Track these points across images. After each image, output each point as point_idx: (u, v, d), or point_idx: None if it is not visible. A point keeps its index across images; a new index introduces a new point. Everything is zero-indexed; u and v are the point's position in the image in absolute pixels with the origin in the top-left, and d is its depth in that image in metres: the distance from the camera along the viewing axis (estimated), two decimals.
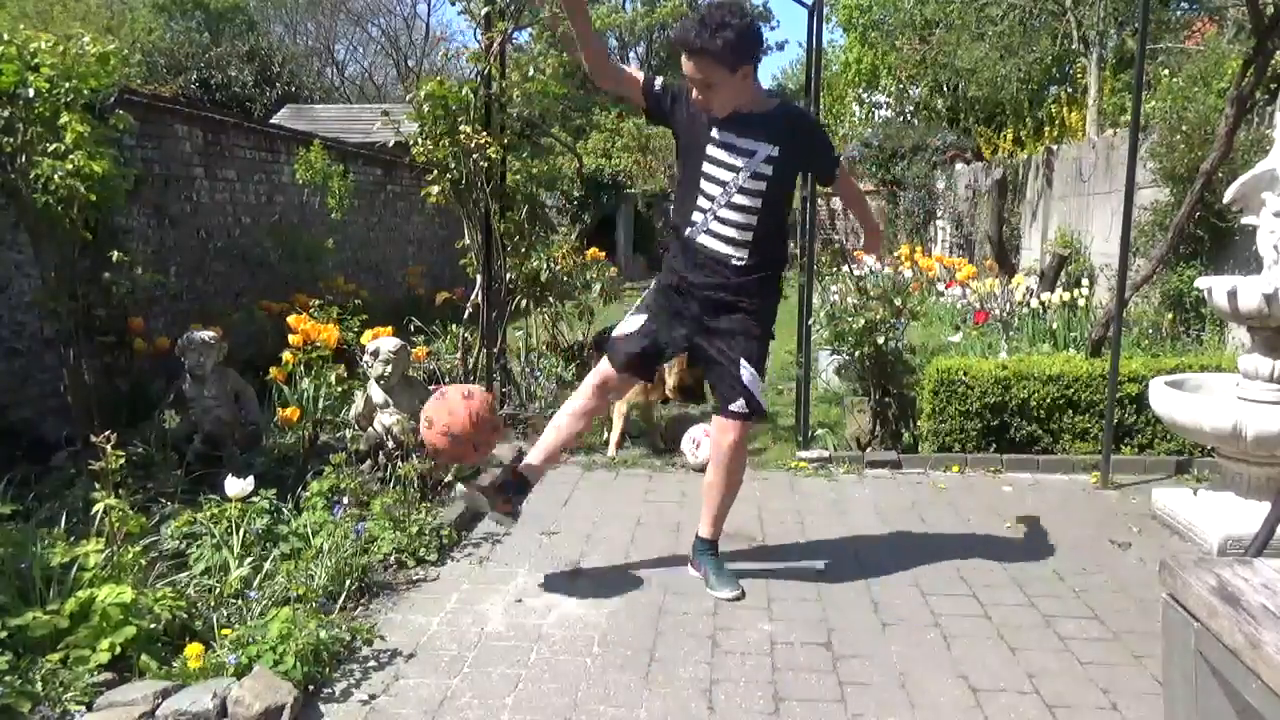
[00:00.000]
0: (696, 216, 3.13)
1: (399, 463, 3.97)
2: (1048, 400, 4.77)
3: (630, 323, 3.29)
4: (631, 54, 26.97)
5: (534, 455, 3.40)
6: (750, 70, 3.02)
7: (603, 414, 3.41)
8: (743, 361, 3.12)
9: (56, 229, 3.99)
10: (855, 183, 3.41)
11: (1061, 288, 7.84)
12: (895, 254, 12.15)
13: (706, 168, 3.10)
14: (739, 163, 3.05)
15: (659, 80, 3.20)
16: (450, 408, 3.19)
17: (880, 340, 4.94)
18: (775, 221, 3.14)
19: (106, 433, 3.00)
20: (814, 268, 5.20)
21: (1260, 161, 3.84)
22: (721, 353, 3.16)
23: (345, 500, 3.58)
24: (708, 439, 4.63)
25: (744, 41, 2.93)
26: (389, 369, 4.18)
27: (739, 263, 3.10)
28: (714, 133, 3.07)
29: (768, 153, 3.04)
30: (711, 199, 3.10)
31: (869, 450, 4.96)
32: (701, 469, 4.57)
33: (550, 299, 6.04)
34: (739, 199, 3.07)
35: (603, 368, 3.33)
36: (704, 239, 3.12)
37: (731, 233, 3.09)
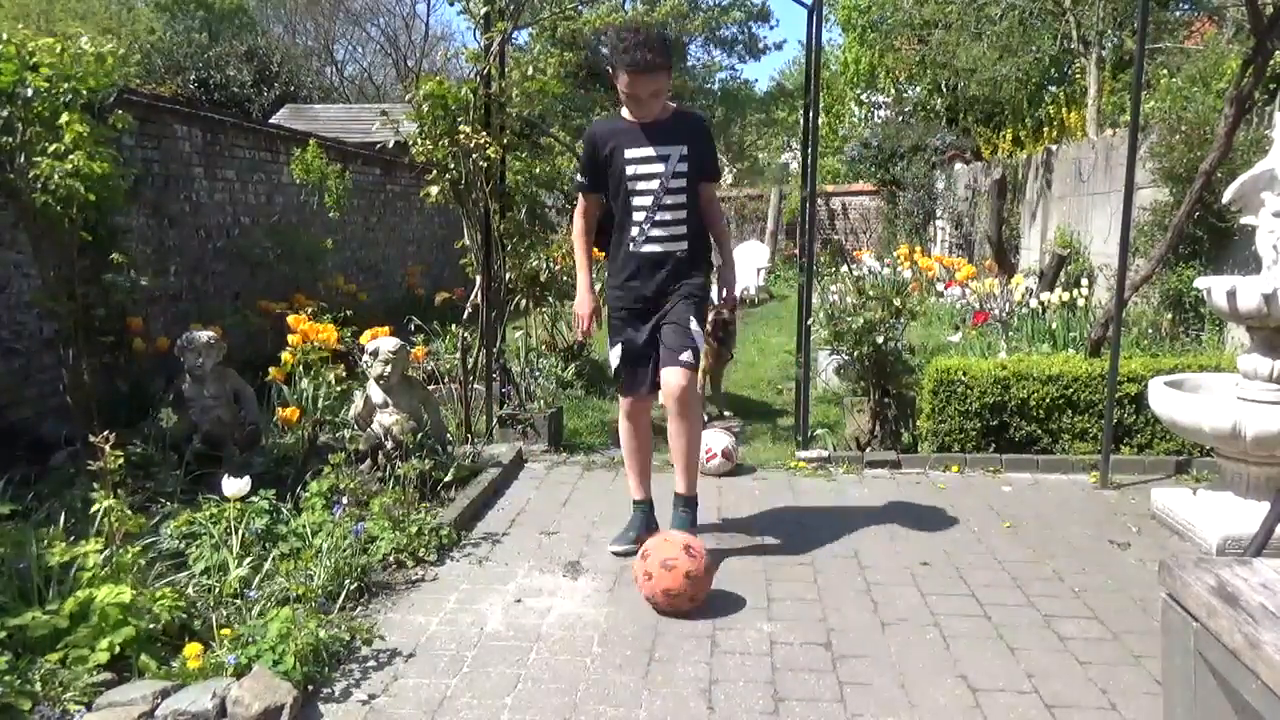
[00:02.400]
0: (634, 231, 3.45)
1: (398, 463, 3.97)
2: (1047, 400, 4.77)
3: (614, 356, 3.60)
4: None
5: (635, 491, 3.75)
6: None
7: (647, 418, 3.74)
8: (692, 319, 3.46)
9: (56, 229, 3.99)
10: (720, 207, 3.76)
11: (1061, 288, 7.83)
12: (895, 254, 12.16)
13: (632, 185, 3.40)
14: (660, 168, 3.39)
15: (578, 174, 3.68)
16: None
17: (879, 340, 4.94)
18: (697, 211, 3.51)
19: (106, 433, 2.99)
20: (813, 268, 5.20)
21: (1259, 161, 3.84)
22: (676, 314, 3.45)
23: (344, 500, 3.58)
24: (719, 444, 4.65)
25: (671, 49, 3.35)
26: (388, 369, 4.18)
27: (682, 254, 3.46)
28: (626, 153, 3.40)
29: (681, 152, 3.39)
30: (644, 209, 3.41)
31: (868, 450, 4.96)
32: (709, 473, 4.57)
33: (550, 299, 6.04)
34: (668, 199, 3.40)
35: (622, 405, 3.65)
36: (648, 248, 3.44)
37: (670, 231, 3.44)
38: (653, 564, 3.05)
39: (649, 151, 3.38)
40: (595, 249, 3.76)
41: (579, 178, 3.63)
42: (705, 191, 3.56)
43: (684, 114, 3.54)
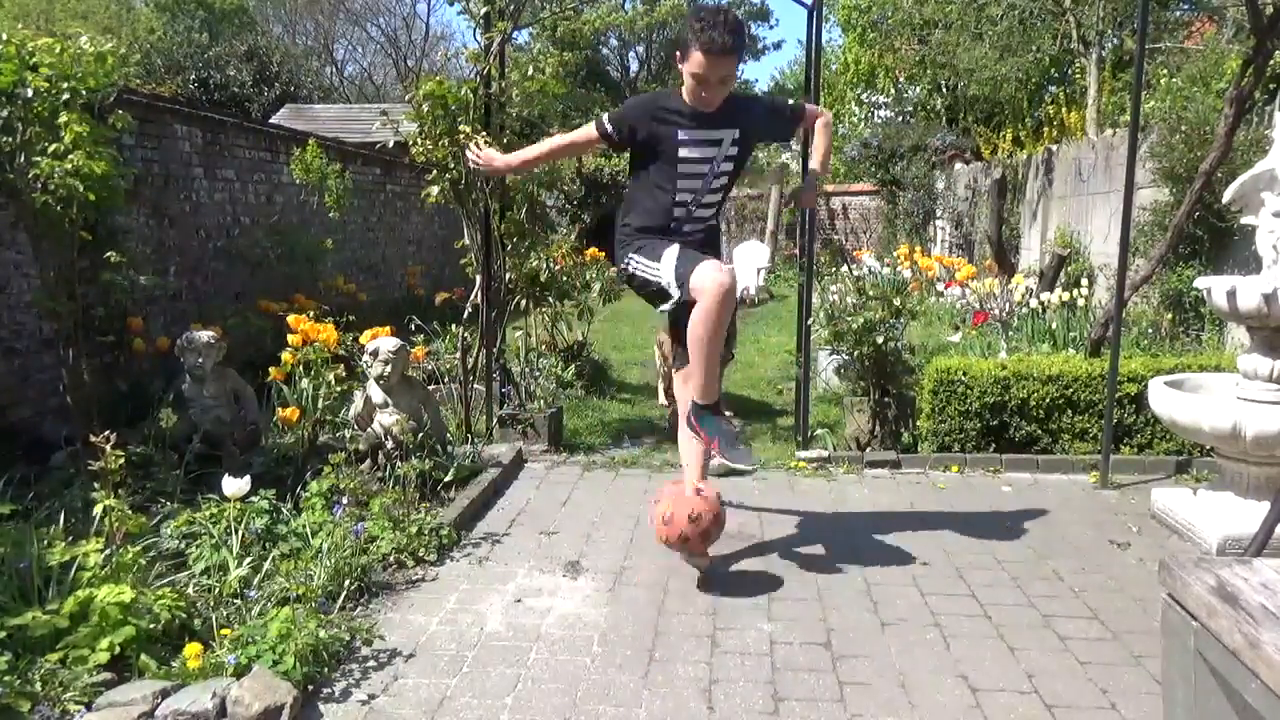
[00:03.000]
0: (679, 212, 3.34)
1: (398, 463, 3.97)
2: (1047, 400, 4.77)
3: (667, 261, 3.19)
4: (631, 53, 26.99)
5: (711, 394, 3.25)
6: None
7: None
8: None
9: (56, 229, 3.99)
10: (821, 114, 3.62)
11: (1061, 288, 7.84)
12: (895, 253, 12.16)
13: (682, 168, 3.30)
14: (711, 153, 3.30)
15: (607, 119, 3.36)
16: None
17: (879, 340, 4.95)
18: (727, 193, 3.52)
19: (105, 432, 2.99)
20: (814, 267, 5.20)
21: (1260, 161, 3.84)
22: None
23: (345, 500, 3.58)
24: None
25: (745, 37, 3.30)
26: (388, 369, 4.18)
27: (713, 224, 3.52)
28: (681, 135, 3.27)
29: (733, 135, 3.31)
30: (693, 192, 3.32)
31: (868, 450, 4.96)
32: (708, 473, 4.55)
33: (550, 299, 6.04)
34: (715, 183, 3.36)
35: (706, 283, 3.04)
36: (688, 226, 3.37)
37: (710, 213, 3.44)
38: (679, 514, 3.18)
39: (704, 135, 3.25)
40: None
41: (605, 122, 3.34)
42: (806, 125, 3.58)
43: (733, 96, 3.33)
